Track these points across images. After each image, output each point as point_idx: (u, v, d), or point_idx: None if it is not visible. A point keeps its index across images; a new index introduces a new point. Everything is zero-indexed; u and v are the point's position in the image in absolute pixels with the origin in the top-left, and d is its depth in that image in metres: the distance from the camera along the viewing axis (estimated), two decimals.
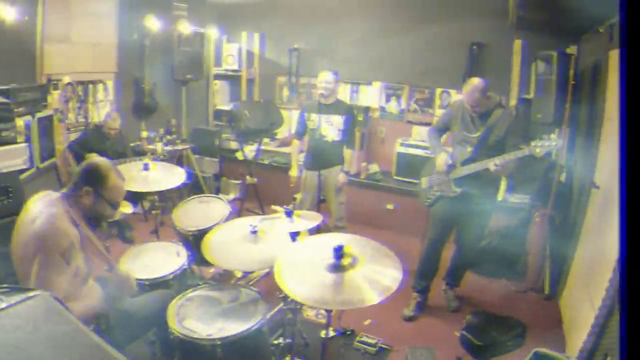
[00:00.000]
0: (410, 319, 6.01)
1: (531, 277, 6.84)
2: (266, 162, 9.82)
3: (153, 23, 8.68)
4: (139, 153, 8.30)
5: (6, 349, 1.48)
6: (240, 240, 4.26)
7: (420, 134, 8.92)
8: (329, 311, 3.76)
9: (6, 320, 1.55)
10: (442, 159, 5.74)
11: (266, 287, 5.38)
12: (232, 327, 3.51)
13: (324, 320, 4.02)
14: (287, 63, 10.25)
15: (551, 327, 5.77)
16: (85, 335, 1.72)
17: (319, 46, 9.91)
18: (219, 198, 5.66)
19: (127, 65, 8.73)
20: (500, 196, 7.29)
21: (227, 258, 4.16)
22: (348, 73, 9.23)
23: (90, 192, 3.36)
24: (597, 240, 5.04)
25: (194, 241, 4.86)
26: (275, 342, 4.63)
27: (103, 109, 8.32)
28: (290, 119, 9.82)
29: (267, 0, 10.05)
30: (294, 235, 4.50)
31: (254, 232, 4.26)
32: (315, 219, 4.60)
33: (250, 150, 9.57)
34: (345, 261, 3.33)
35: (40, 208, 3.23)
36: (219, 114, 10.87)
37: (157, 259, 4.57)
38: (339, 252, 3.31)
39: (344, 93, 9.51)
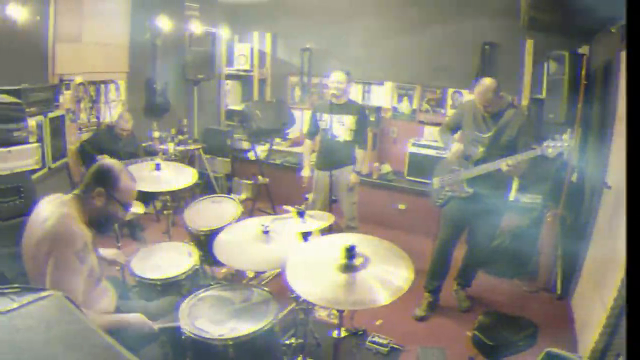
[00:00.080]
0: (421, 319, 6.01)
1: (542, 277, 6.83)
2: (278, 162, 9.83)
3: (165, 23, 8.72)
4: (151, 153, 8.32)
5: (18, 349, 1.49)
6: (252, 240, 4.26)
7: (432, 134, 8.91)
8: (340, 311, 3.75)
9: (18, 320, 1.56)
10: (456, 148, 5.73)
11: (278, 287, 5.38)
12: (244, 327, 3.50)
13: (335, 321, 4.02)
14: (298, 63, 10.27)
15: (563, 327, 5.76)
16: (97, 335, 1.73)
17: (331, 46, 9.90)
18: (231, 198, 5.66)
19: (138, 65, 8.75)
20: (511, 196, 7.27)
21: (239, 258, 4.16)
22: (360, 73, 9.23)
23: (102, 193, 3.36)
24: (609, 240, 5.03)
25: (205, 241, 4.86)
26: (287, 342, 4.64)
27: (115, 109, 8.35)
28: (302, 119, 9.83)
29: (278, 0, 10.05)
30: (308, 236, 4.50)
31: (267, 232, 4.25)
32: (327, 219, 4.59)
33: (261, 150, 9.58)
34: (357, 261, 3.32)
35: (52, 209, 3.24)
36: (230, 114, 10.90)
37: (169, 259, 4.57)
38: (351, 252, 3.31)
39: (355, 93, 9.52)
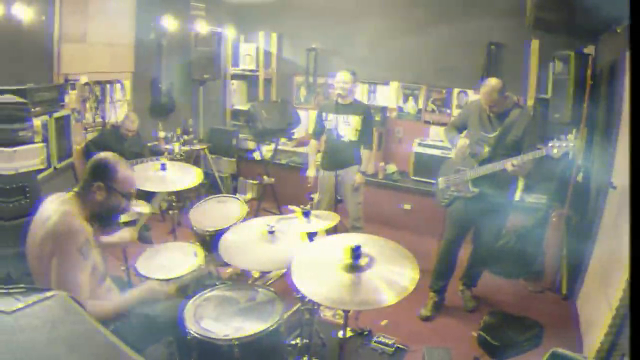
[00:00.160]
0: (427, 319, 6.01)
1: (548, 277, 6.82)
2: (283, 162, 9.84)
3: (170, 23, 8.73)
4: (156, 153, 8.34)
5: (23, 349, 1.49)
6: (257, 240, 4.25)
7: (437, 134, 8.90)
8: (346, 311, 3.74)
9: (23, 320, 1.56)
10: (462, 143, 5.73)
11: (283, 287, 5.37)
12: (250, 328, 3.50)
13: (341, 321, 4.02)
14: (304, 63, 10.26)
15: (568, 327, 5.76)
16: (102, 336, 1.73)
17: (336, 46, 9.90)
18: (236, 198, 5.66)
19: (144, 65, 8.76)
20: (517, 196, 7.27)
21: (244, 258, 4.16)
22: (365, 73, 9.19)
23: (101, 187, 3.36)
24: (614, 240, 5.01)
25: (211, 241, 4.87)
26: (293, 342, 4.64)
27: (120, 108, 8.37)
28: (308, 119, 9.84)
29: (284, 0, 10.05)
30: (313, 236, 4.50)
31: (272, 232, 4.25)
32: (332, 219, 4.59)
33: (267, 150, 9.59)
34: (363, 261, 3.31)
35: (54, 207, 3.25)
36: (235, 114, 10.92)
37: (174, 259, 4.56)
38: (356, 252, 3.30)
39: (361, 93, 9.52)
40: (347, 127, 6.69)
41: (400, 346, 5.33)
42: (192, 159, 9.17)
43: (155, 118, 8.98)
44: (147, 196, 5.08)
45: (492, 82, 5.45)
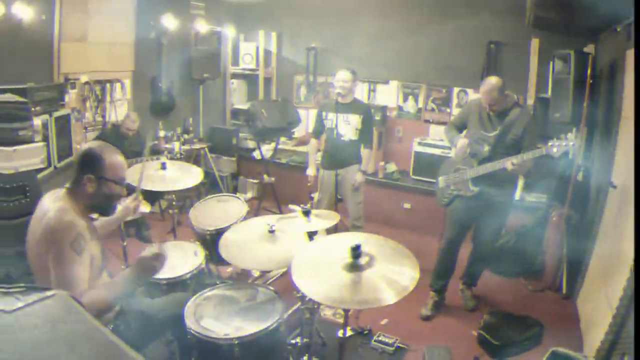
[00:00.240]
0: (427, 318, 6.00)
1: (548, 276, 6.82)
2: (283, 161, 9.85)
3: (170, 22, 8.72)
4: (156, 152, 8.33)
5: (23, 348, 1.49)
6: (258, 239, 4.26)
7: (437, 133, 8.88)
8: (346, 311, 3.74)
9: (23, 319, 1.56)
10: (462, 142, 5.72)
11: (283, 286, 5.38)
12: (250, 327, 3.51)
13: (341, 320, 4.02)
14: (304, 62, 10.26)
15: (568, 327, 5.75)
16: (102, 335, 1.73)
17: (337, 45, 9.90)
18: (237, 197, 5.66)
19: (144, 64, 8.75)
20: (517, 195, 7.28)
21: (244, 257, 4.16)
22: (365, 72, 9.20)
23: (91, 178, 3.34)
24: (615, 239, 5.02)
25: (211, 240, 4.87)
26: (293, 341, 4.63)
27: (120, 108, 8.36)
28: (308, 118, 9.84)
29: None
30: (313, 235, 4.50)
31: (272, 232, 4.25)
32: (333, 219, 4.59)
33: (267, 149, 9.59)
34: (363, 260, 3.32)
35: (50, 204, 3.25)
36: (236, 113, 10.88)
37: (175, 259, 4.55)
38: (356, 251, 3.30)
39: (361, 92, 9.52)
40: (347, 126, 6.68)
41: (400, 345, 5.33)
42: (193, 158, 9.18)
43: (156, 117, 8.97)
44: (148, 195, 5.09)
45: (492, 81, 5.44)
